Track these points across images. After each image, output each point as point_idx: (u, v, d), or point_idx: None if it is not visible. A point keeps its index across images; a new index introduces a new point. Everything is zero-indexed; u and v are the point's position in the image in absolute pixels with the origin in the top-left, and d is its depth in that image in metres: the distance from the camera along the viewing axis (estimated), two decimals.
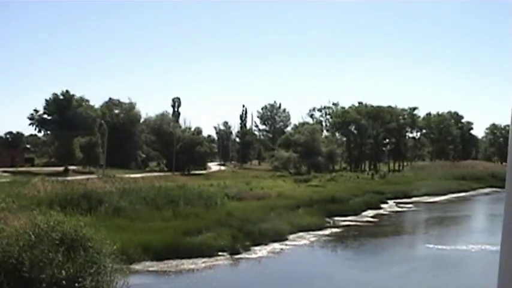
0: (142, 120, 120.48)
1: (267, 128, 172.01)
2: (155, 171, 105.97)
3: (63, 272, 19.73)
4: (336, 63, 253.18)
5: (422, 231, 57.51)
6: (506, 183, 1.57)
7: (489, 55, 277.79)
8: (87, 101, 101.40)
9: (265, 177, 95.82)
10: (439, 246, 43.18)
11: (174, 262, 33.70)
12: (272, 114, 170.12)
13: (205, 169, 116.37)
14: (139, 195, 48.07)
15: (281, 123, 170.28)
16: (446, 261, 37.88)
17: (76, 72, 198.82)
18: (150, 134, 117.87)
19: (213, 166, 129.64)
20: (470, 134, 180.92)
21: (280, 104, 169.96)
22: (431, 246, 43.59)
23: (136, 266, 31.51)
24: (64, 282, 19.62)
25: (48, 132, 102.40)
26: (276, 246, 41.67)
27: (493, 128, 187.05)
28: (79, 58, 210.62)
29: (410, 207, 75.28)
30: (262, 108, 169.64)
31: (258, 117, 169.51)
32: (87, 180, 57.90)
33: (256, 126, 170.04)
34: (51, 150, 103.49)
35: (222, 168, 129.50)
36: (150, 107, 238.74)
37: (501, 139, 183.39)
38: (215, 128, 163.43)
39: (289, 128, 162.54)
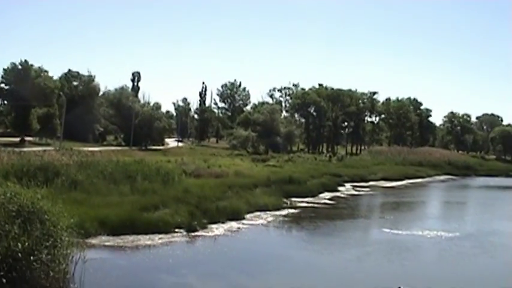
0: (101, 93, 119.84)
1: (226, 106, 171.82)
2: (112, 145, 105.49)
3: (19, 244, 19.44)
4: (297, 45, 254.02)
5: (379, 216, 57.94)
6: None
7: (451, 45, 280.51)
8: (46, 71, 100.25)
9: (222, 155, 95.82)
10: (395, 231, 43.53)
11: (130, 237, 33.47)
12: (232, 93, 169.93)
13: (163, 145, 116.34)
14: (97, 169, 47.44)
15: (240, 102, 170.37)
16: (402, 246, 38.21)
17: (36, 43, 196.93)
18: (108, 107, 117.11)
19: (171, 142, 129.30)
20: (429, 121, 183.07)
21: (240, 83, 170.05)
22: (387, 230, 43.91)
23: (93, 241, 31.27)
24: (20, 254, 19.32)
25: (5, 102, 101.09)
26: (233, 224, 41.66)
27: (451, 116, 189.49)
28: (39, 29, 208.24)
29: (367, 191, 75.95)
30: (222, 86, 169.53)
31: (217, 94, 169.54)
32: (44, 151, 57.12)
33: (216, 104, 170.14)
34: (8, 121, 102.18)
35: (180, 144, 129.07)
36: (110, 80, 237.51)
37: (458, 127, 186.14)
38: (174, 104, 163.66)
39: (248, 107, 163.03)
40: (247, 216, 45.41)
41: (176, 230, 36.87)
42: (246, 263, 32.01)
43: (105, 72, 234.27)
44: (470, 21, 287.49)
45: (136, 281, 26.02)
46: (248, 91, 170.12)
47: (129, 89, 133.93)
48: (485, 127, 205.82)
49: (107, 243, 31.93)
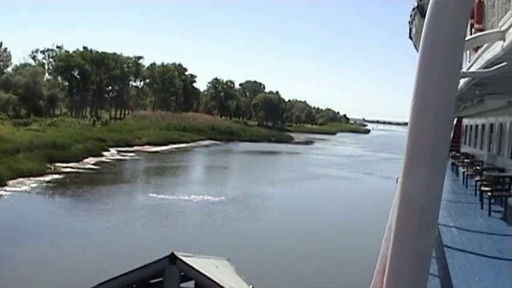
0: None
1: None
2: None
3: None
4: (62, 7, 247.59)
5: (145, 180, 58.55)
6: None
7: (219, 13, 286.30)
8: None
9: None
10: (161, 196, 44.34)
11: None
12: None
13: None
14: None
15: (1, 63, 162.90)
16: (167, 212, 39.09)
17: None
18: None
19: None
20: (193, 86, 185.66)
21: (1, 43, 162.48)
22: (153, 195, 44.64)
23: None
24: None
25: None
26: None
27: (215, 82, 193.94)
28: None
29: (132, 156, 76.28)
30: None
31: None
32: None
33: None
34: None
35: None
36: None
37: (222, 93, 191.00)
38: None
39: (9, 69, 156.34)
40: (10, 182, 44.34)
41: None
42: (9, 231, 31.34)
43: None
44: None
45: None
46: (9, 52, 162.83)
47: None
48: (248, 94, 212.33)
49: None
